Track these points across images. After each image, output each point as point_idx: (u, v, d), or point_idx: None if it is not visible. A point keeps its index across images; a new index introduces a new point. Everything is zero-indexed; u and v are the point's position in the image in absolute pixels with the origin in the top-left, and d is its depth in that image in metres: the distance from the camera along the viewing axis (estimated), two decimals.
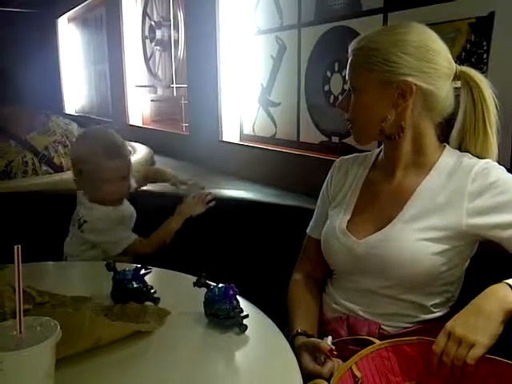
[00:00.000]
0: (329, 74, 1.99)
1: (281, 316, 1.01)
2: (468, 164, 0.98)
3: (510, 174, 0.97)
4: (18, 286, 0.64)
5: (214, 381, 0.76)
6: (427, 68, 0.99)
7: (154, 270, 1.03)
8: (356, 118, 1.05)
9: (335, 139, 2.03)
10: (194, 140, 3.10)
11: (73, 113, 6.12)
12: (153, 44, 3.81)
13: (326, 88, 2.01)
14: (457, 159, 1.01)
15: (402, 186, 1.04)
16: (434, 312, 1.01)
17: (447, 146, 1.05)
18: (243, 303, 0.90)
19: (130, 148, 1.48)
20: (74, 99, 6.27)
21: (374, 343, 0.89)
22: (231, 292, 0.88)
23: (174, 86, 3.51)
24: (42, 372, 0.64)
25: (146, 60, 4.00)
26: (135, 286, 0.96)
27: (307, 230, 1.20)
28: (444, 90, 1.01)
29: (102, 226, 1.34)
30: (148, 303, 0.95)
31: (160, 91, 3.92)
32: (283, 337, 0.86)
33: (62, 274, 1.16)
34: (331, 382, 0.81)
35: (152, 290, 0.97)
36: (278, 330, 0.88)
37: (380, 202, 1.07)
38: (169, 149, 3.19)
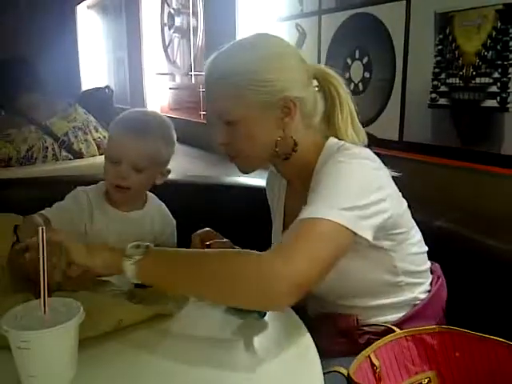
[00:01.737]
0: (349, 61, 1.97)
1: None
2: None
3: (336, 167, 0.90)
4: (43, 267, 0.65)
5: (233, 363, 0.77)
6: (295, 75, 0.95)
7: None
8: (241, 151, 0.98)
9: None
10: (211, 128, 3.09)
11: None
12: (171, 31, 3.80)
13: (347, 75, 1.99)
14: (328, 156, 0.94)
15: (299, 202, 0.95)
16: (402, 306, 1.00)
17: (328, 140, 0.99)
18: None
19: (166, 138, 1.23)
20: (93, 86, 6.31)
21: (395, 331, 0.89)
22: None
23: (193, 73, 3.50)
24: (66, 351, 0.65)
25: (165, 47, 4.00)
26: None
27: None
28: (312, 92, 0.99)
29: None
30: None
31: (178, 79, 3.92)
32: (301, 322, 0.86)
33: None
34: (349, 369, 0.81)
35: None
36: (296, 316, 0.88)
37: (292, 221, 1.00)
38: (186, 137, 3.19)
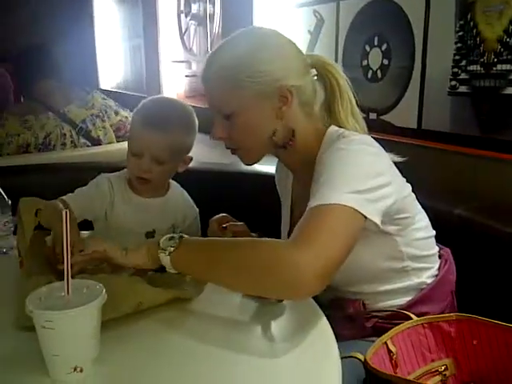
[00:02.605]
0: (367, 48, 1.94)
1: None
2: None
3: (337, 154, 0.90)
4: (66, 250, 0.66)
5: (251, 346, 0.78)
6: (292, 64, 0.96)
7: None
8: (241, 143, 1.00)
9: (373, 116, 1.99)
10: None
11: (108, 88, 6.19)
12: (188, 18, 3.79)
13: (365, 62, 1.97)
14: (329, 144, 0.95)
15: (303, 192, 0.99)
16: (410, 290, 1.01)
17: (329, 129, 1.00)
18: None
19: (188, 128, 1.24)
20: (109, 74, 6.33)
21: (412, 319, 0.89)
22: None
23: None
24: (88, 332, 0.66)
25: (181, 35, 3.99)
26: None
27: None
28: (310, 81, 0.99)
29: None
30: None
31: (194, 66, 3.91)
32: (319, 308, 0.87)
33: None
34: (366, 354, 0.81)
35: None
36: (313, 301, 0.89)
37: (298, 213, 1.04)
38: (202, 124, 3.20)
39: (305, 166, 1.00)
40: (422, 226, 1.02)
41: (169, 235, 0.88)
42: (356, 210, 0.81)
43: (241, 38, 0.99)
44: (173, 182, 1.30)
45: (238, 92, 0.94)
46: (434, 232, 1.05)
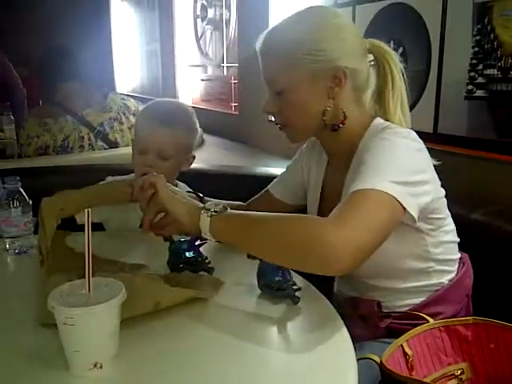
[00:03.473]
0: None
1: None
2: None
3: (385, 143, 0.90)
4: (88, 248, 0.67)
5: (267, 347, 0.78)
6: (349, 46, 0.96)
7: (208, 242, 1.06)
8: (291, 120, 1.01)
9: None
10: (242, 119, 3.11)
11: (124, 91, 6.25)
12: (204, 23, 3.82)
13: None
14: (373, 136, 0.95)
15: (337, 179, 1.01)
16: (423, 291, 1.01)
17: (375, 120, 1.00)
18: (295, 277, 0.92)
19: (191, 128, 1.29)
20: (126, 78, 6.40)
21: (427, 321, 0.89)
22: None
23: (225, 65, 3.52)
24: (108, 328, 0.68)
25: (197, 39, 4.02)
26: (191, 255, 0.99)
27: (269, 186, 1.23)
28: (366, 67, 0.99)
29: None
30: (202, 273, 0.98)
31: (210, 70, 3.94)
32: (335, 310, 0.87)
33: (119, 243, 1.21)
34: (382, 356, 0.81)
35: (207, 261, 1.00)
36: (329, 304, 0.89)
37: (328, 200, 1.06)
38: (218, 128, 3.22)
39: (344, 152, 1.01)
40: (450, 230, 1.02)
41: (215, 201, 0.88)
42: (397, 200, 0.81)
43: (301, 16, 0.99)
44: (181, 184, 1.33)
45: (292, 69, 0.95)
46: (458, 239, 1.05)
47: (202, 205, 0.88)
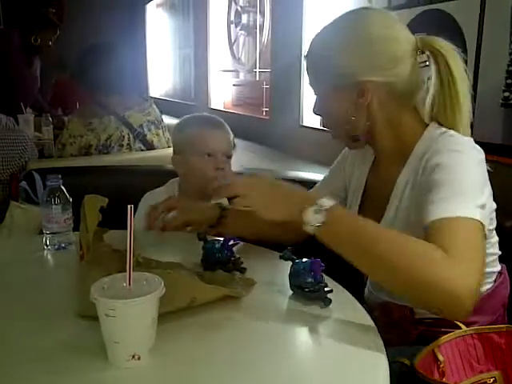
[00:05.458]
0: None
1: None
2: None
3: (458, 158, 0.89)
4: (130, 243, 0.70)
5: (297, 346, 0.80)
6: (378, 60, 0.93)
7: (241, 243, 1.08)
8: (326, 121, 1.05)
9: None
10: (273, 124, 3.13)
11: (157, 96, 6.36)
12: (238, 29, 3.87)
13: None
14: (431, 141, 0.93)
15: (385, 180, 1.01)
16: None
17: (430, 125, 0.98)
18: (327, 279, 0.92)
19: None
20: (159, 82, 6.51)
21: (460, 327, 0.89)
22: (317, 266, 0.91)
23: (257, 70, 3.55)
24: (147, 321, 0.70)
25: (230, 44, 4.07)
26: (224, 255, 1.01)
27: (312, 190, 1.21)
28: (405, 72, 0.94)
29: None
30: (235, 272, 1.00)
31: (242, 76, 3.98)
32: (366, 313, 0.87)
33: (154, 242, 1.23)
34: (414, 361, 0.81)
35: (240, 260, 1.02)
36: (360, 306, 0.90)
37: (371, 199, 1.06)
38: (249, 133, 3.25)
39: (393, 155, 1.01)
40: (494, 242, 1.02)
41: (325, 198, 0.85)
42: (482, 224, 0.82)
43: (336, 24, 0.99)
44: None
45: (317, 77, 1.01)
46: (500, 252, 1.04)
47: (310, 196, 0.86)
